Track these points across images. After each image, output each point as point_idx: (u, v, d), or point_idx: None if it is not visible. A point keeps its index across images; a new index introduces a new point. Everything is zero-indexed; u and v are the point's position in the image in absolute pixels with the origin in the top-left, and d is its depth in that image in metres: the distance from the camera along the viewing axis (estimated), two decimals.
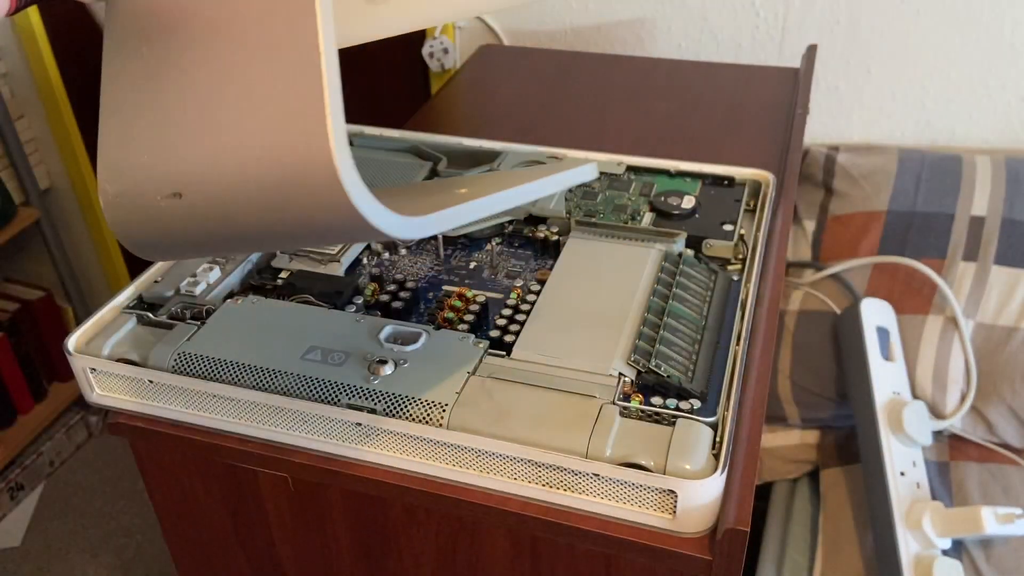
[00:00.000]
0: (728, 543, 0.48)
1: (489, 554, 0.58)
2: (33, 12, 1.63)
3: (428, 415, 0.54)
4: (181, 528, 0.68)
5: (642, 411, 0.53)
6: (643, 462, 0.50)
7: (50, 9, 1.63)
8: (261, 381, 0.57)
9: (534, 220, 0.73)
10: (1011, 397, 1.11)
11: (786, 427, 1.22)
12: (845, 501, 1.10)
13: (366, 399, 0.55)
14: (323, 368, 0.56)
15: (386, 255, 0.71)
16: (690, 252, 0.68)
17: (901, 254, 1.18)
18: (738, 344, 0.59)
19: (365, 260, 0.70)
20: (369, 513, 0.59)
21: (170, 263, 0.67)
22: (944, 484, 1.09)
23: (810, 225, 1.28)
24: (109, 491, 1.76)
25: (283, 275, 0.67)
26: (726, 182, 0.77)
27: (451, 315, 0.62)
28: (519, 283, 0.66)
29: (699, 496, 0.49)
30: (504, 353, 0.58)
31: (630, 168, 0.79)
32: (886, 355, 1.12)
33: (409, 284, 0.65)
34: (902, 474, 1.02)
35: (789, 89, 1.07)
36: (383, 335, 0.59)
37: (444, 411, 0.53)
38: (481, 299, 0.63)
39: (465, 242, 0.72)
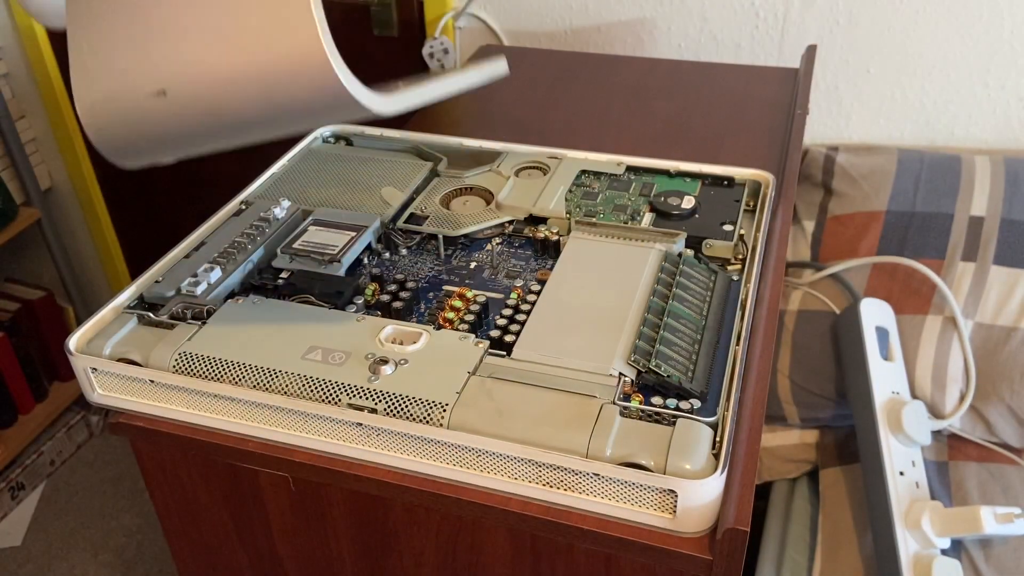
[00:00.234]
0: (728, 543, 0.49)
1: (489, 553, 0.58)
2: None
3: (428, 415, 0.54)
4: (182, 527, 0.68)
5: (642, 411, 0.54)
6: (643, 462, 0.50)
7: None
8: (262, 381, 0.57)
9: (534, 220, 0.73)
10: (1010, 397, 1.12)
11: (785, 427, 1.22)
12: (844, 501, 1.10)
13: (367, 399, 0.55)
14: (324, 368, 0.57)
15: (387, 255, 0.71)
16: (690, 252, 0.68)
17: (900, 254, 1.19)
18: (738, 344, 0.60)
19: (366, 260, 0.70)
20: (370, 512, 0.60)
21: (171, 263, 0.68)
22: (943, 484, 1.09)
23: (809, 225, 1.28)
24: (110, 491, 1.76)
25: (284, 275, 0.67)
26: (726, 182, 0.77)
27: (451, 315, 0.62)
28: (519, 283, 0.67)
29: (699, 496, 0.49)
30: (504, 353, 0.58)
31: (630, 168, 0.80)
32: (885, 355, 1.12)
33: (410, 284, 0.65)
34: (901, 474, 1.02)
35: (788, 89, 1.08)
36: (384, 335, 0.59)
37: (444, 411, 0.53)
38: (481, 299, 0.64)
39: (465, 242, 0.72)
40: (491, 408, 0.53)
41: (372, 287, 0.66)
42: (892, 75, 1.27)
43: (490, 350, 0.58)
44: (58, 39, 1.66)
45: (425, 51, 1.41)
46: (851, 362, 1.12)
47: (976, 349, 1.14)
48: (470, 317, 0.62)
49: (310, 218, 0.72)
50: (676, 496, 0.50)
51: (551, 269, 0.67)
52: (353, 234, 0.70)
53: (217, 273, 0.66)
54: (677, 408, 0.54)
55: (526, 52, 1.22)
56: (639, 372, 0.56)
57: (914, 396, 1.14)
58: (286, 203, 0.74)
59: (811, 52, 1.06)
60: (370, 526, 0.60)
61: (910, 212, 1.20)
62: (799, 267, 1.26)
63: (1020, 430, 1.13)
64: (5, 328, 1.69)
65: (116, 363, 0.59)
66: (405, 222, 0.73)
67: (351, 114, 0.47)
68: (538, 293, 0.64)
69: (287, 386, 0.56)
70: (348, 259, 0.68)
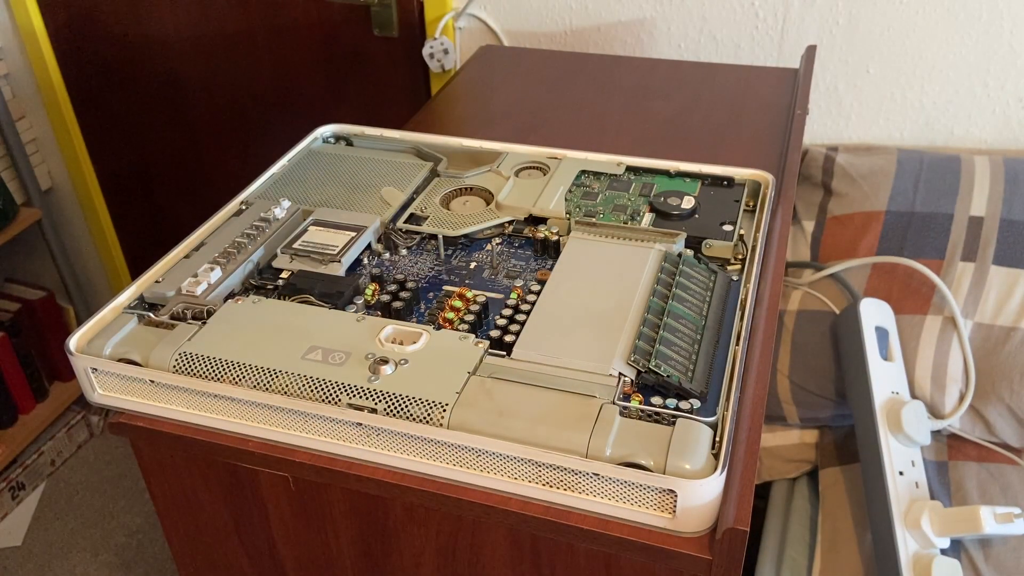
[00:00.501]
0: (728, 542, 0.49)
1: (489, 553, 0.58)
2: (35, 13, 1.63)
3: (428, 415, 0.54)
4: (182, 527, 0.68)
5: (642, 411, 0.54)
6: (643, 462, 0.50)
7: (52, 10, 1.63)
8: (262, 381, 0.57)
9: (534, 220, 0.73)
10: (1009, 397, 1.12)
11: (785, 427, 1.23)
12: (844, 500, 1.10)
13: (367, 399, 0.55)
14: (324, 368, 0.57)
15: (387, 255, 0.71)
16: (690, 252, 0.68)
17: (900, 254, 1.19)
18: (737, 344, 0.60)
19: (366, 260, 0.70)
20: (370, 512, 0.60)
21: (171, 263, 0.68)
22: (943, 483, 1.09)
23: (809, 225, 1.28)
24: (110, 490, 1.76)
25: (284, 275, 0.68)
26: (725, 182, 0.77)
27: (451, 315, 0.62)
28: (519, 283, 0.67)
29: (699, 496, 0.49)
30: (504, 353, 0.58)
31: (630, 168, 0.80)
32: (885, 355, 1.12)
33: (409, 284, 0.65)
34: (901, 473, 1.02)
35: (788, 90, 1.08)
36: (383, 335, 0.59)
37: (444, 411, 0.54)
38: (481, 299, 0.64)
39: (465, 242, 0.72)
40: (491, 408, 0.54)
41: (372, 287, 0.66)
42: (892, 75, 1.28)
43: (490, 350, 0.58)
44: (59, 39, 1.66)
45: (425, 51, 1.41)
46: (851, 362, 1.12)
47: (976, 349, 1.14)
48: (470, 317, 0.62)
49: (310, 218, 0.73)
50: (676, 496, 0.50)
51: (551, 269, 0.67)
52: (353, 234, 0.70)
53: (217, 273, 0.66)
54: (677, 408, 0.54)
55: (526, 52, 1.23)
56: (639, 372, 0.56)
57: (914, 396, 1.14)
58: (286, 203, 0.74)
59: (811, 52, 1.06)
60: (370, 526, 0.61)
61: (910, 212, 1.20)
62: (799, 267, 1.27)
63: (1020, 430, 1.13)
64: (5, 328, 1.69)
65: (116, 363, 0.59)
66: (405, 222, 0.73)
67: None
68: (538, 293, 0.64)
69: (287, 386, 0.56)
70: (348, 259, 0.68)
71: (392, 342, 0.59)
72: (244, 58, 1.56)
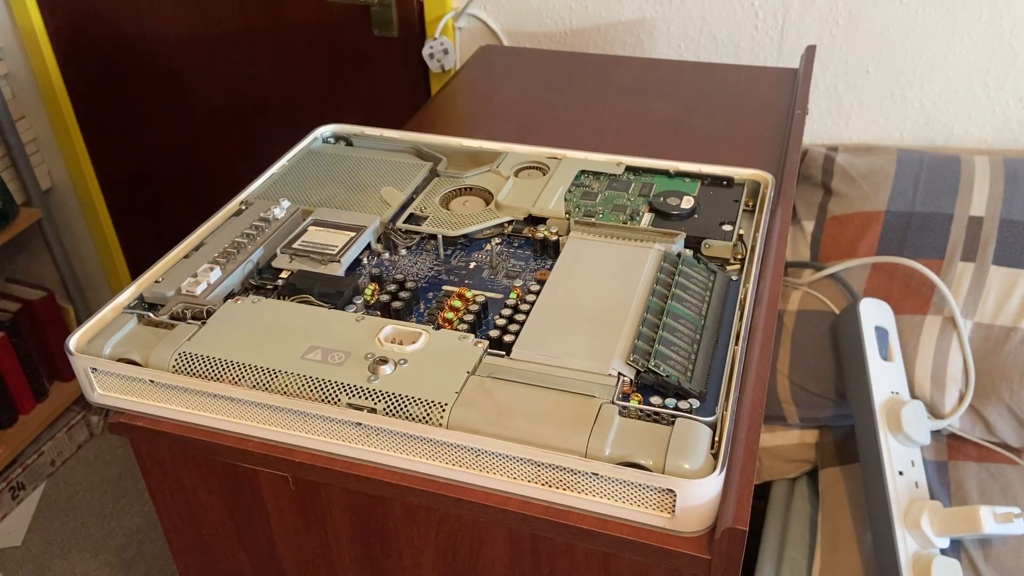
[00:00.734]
0: (727, 542, 0.49)
1: (489, 553, 0.58)
2: (35, 13, 1.63)
3: (428, 415, 0.54)
4: (182, 527, 0.68)
5: (641, 411, 0.54)
6: (642, 461, 0.50)
7: (52, 10, 1.63)
8: (261, 381, 0.57)
9: (534, 220, 0.73)
10: (1009, 397, 1.12)
11: (785, 427, 1.23)
12: (844, 500, 1.10)
13: (366, 399, 0.55)
14: (323, 368, 0.57)
15: (386, 255, 0.71)
16: (689, 252, 0.68)
17: (900, 254, 1.19)
18: (737, 344, 0.60)
19: (365, 260, 0.70)
20: (369, 512, 0.60)
21: (171, 263, 0.68)
22: (942, 483, 1.09)
23: (809, 225, 1.28)
24: (110, 490, 1.76)
25: (283, 275, 0.68)
26: (725, 182, 0.77)
27: (451, 315, 0.62)
28: (519, 283, 0.67)
29: (698, 495, 0.49)
30: (504, 353, 0.58)
31: (629, 168, 0.80)
32: (885, 355, 1.12)
33: (409, 284, 0.65)
34: (901, 473, 1.02)
35: (788, 90, 1.08)
36: (383, 335, 0.59)
37: (444, 411, 0.54)
38: (481, 299, 0.64)
39: (465, 242, 0.72)
40: (490, 408, 0.54)
41: (371, 287, 0.66)
42: (891, 75, 1.28)
43: (489, 350, 0.58)
44: (59, 39, 1.66)
45: (425, 51, 1.41)
46: (850, 362, 1.12)
47: (975, 349, 1.14)
48: (469, 317, 0.62)
49: (310, 218, 0.73)
50: (675, 495, 0.50)
51: (550, 269, 0.67)
52: (353, 234, 0.70)
53: (217, 273, 0.66)
54: (676, 408, 0.54)
55: (526, 52, 1.23)
56: (638, 372, 0.56)
57: (913, 396, 1.14)
58: (286, 203, 0.74)
59: (810, 52, 1.06)
60: (369, 526, 0.61)
61: (909, 212, 1.20)
62: (799, 267, 1.27)
63: (1019, 430, 1.13)
64: (5, 328, 1.69)
65: (116, 363, 0.59)
66: (405, 222, 0.73)
67: None
68: (537, 293, 0.64)
69: (287, 386, 0.56)
70: (348, 259, 0.68)
71: (391, 342, 0.59)
72: (244, 58, 1.56)
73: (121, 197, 1.85)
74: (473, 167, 0.80)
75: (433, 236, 0.72)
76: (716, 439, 0.52)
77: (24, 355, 1.74)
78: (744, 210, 0.74)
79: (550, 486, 0.53)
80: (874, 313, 1.13)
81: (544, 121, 1.01)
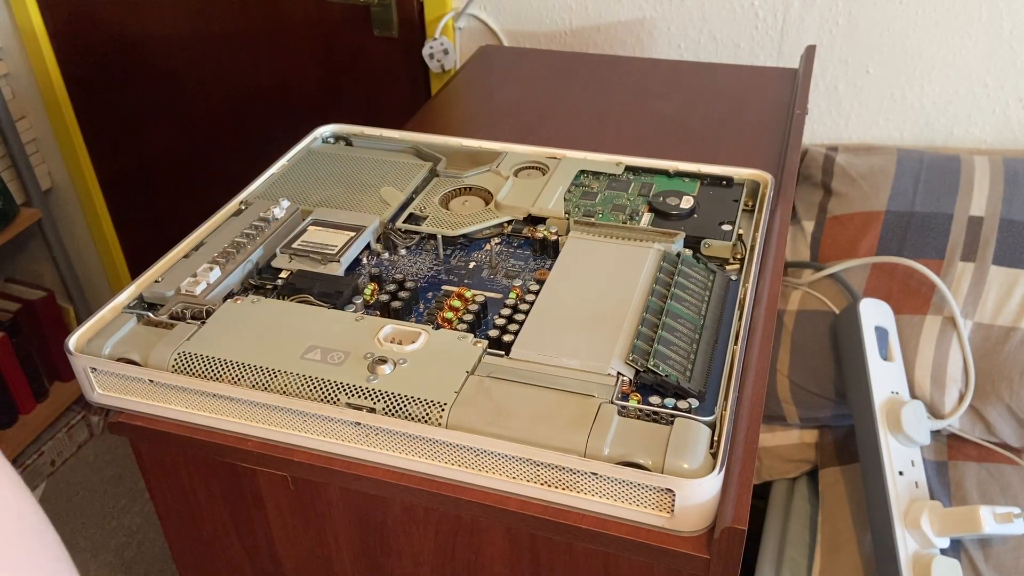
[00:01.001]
0: (726, 542, 0.49)
1: (488, 552, 0.58)
2: (35, 13, 1.63)
3: (427, 414, 0.54)
4: (182, 526, 0.68)
5: (640, 410, 0.54)
6: (641, 461, 0.50)
7: (52, 10, 1.63)
8: (261, 380, 0.57)
9: (533, 220, 0.73)
10: (1009, 396, 1.12)
11: (785, 426, 1.22)
12: (844, 500, 1.10)
13: (365, 398, 0.55)
14: (323, 367, 0.57)
15: (386, 255, 0.71)
16: (688, 252, 0.68)
17: (899, 254, 1.19)
18: (736, 343, 0.60)
19: (365, 260, 0.70)
20: (368, 512, 0.60)
21: (171, 263, 0.68)
22: (942, 483, 1.09)
23: (809, 225, 1.28)
24: (110, 490, 1.76)
25: (283, 275, 0.68)
26: (724, 182, 0.77)
27: (450, 315, 0.62)
28: (518, 283, 0.67)
29: (697, 495, 0.49)
30: (503, 353, 0.58)
31: (629, 168, 0.80)
32: (884, 355, 1.12)
33: (408, 284, 0.65)
34: (900, 473, 1.02)
35: (788, 89, 1.08)
36: (382, 335, 0.59)
37: (443, 410, 0.54)
38: (480, 299, 0.64)
39: (464, 242, 0.72)
40: (489, 407, 0.54)
41: (371, 287, 0.66)
42: (891, 75, 1.28)
43: (489, 350, 0.58)
44: (59, 39, 1.66)
45: (425, 51, 1.41)
46: (850, 362, 1.12)
47: (975, 349, 1.14)
48: (469, 317, 0.62)
49: (309, 218, 0.73)
50: (674, 495, 0.50)
51: (550, 269, 0.67)
52: (352, 234, 0.70)
53: (216, 273, 0.66)
54: (675, 407, 0.54)
55: (526, 52, 1.23)
56: (637, 371, 0.56)
57: (913, 396, 1.14)
58: (286, 203, 0.74)
59: (810, 52, 1.06)
60: (369, 525, 0.61)
61: (909, 212, 1.20)
62: (798, 267, 1.26)
63: (1019, 430, 1.13)
64: (5, 328, 1.69)
65: (116, 363, 0.59)
66: (404, 222, 0.73)
67: None
68: (537, 293, 0.64)
69: (286, 386, 0.56)
70: (347, 259, 0.68)
71: (391, 342, 0.59)
72: (244, 58, 1.56)
73: (121, 197, 1.85)
74: (473, 167, 0.80)
75: (433, 236, 0.72)
76: (715, 439, 0.52)
77: (24, 355, 1.74)
78: (744, 210, 0.74)
79: (549, 486, 0.53)
80: (874, 313, 1.13)
81: (544, 121, 1.01)
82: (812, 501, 1.16)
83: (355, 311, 0.63)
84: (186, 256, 0.69)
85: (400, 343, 0.58)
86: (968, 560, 0.99)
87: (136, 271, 1.97)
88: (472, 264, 0.70)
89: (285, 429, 0.58)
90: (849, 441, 1.17)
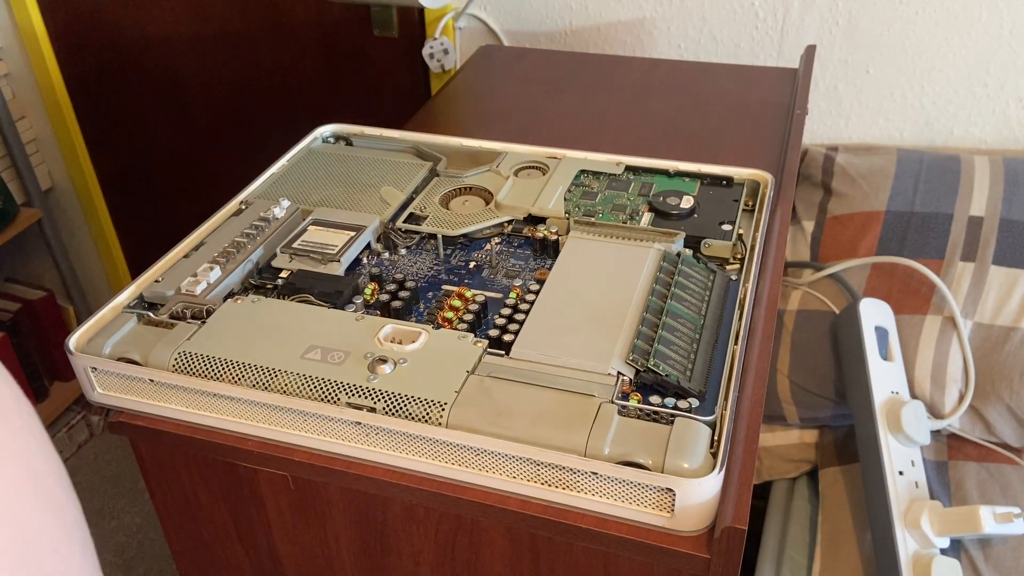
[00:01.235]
0: (726, 541, 0.49)
1: (488, 552, 0.58)
2: (35, 13, 1.63)
3: (427, 414, 0.54)
4: (182, 526, 0.68)
5: (640, 410, 0.54)
6: (641, 461, 0.50)
7: (52, 10, 1.63)
8: (261, 380, 0.57)
9: (533, 220, 0.73)
10: (1009, 396, 1.12)
11: (785, 426, 1.22)
12: (844, 500, 1.10)
13: (366, 398, 0.55)
14: (323, 367, 0.57)
15: (386, 255, 0.71)
16: (688, 252, 0.68)
17: (899, 254, 1.19)
18: (736, 343, 0.60)
19: (365, 260, 0.70)
20: (369, 511, 0.60)
21: (171, 263, 0.68)
22: (942, 483, 1.09)
23: (809, 225, 1.28)
24: (110, 490, 1.76)
25: (283, 275, 0.68)
26: (724, 182, 0.77)
27: (450, 314, 0.62)
28: (518, 283, 0.67)
29: (697, 494, 0.49)
30: (503, 352, 0.58)
31: (629, 168, 0.80)
32: (884, 355, 1.12)
33: (409, 284, 0.65)
34: (901, 473, 1.02)
35: (788, 89, 1.08)
36: (383, 334, 0.59)
37: (443, 410, 0.54)
38: (480, 299, 0.64)
39: (464, 242, 0.72)
40: (490, 407, 0.54)
41: (371, 286, 0.66)
42: (891, 75, 1.28)
43: (489, 349, 0.58)
44: (59, 39, 1.66)
45: (425, 51, 1.41)
46: (850, 362, 1.12)
47: (975, 349, 1.14)
48: (469, 316, 0.62)
49: (309, 218, 0.73)
50: (674, 495, 0.50)
51: (550, 269, 0.67)
52: (352, 234, 0.70)
53: (217, 273, 0.66)
54: (675, 407, 0.54)
55: (526, 52, 1.23)
56: (637, 371, 0.56)
57: (913, 396, 1.14)
58: (286, 203, 0.74)
59: (810, 52, 1.06)
60: (369, 525, 0.61)
61: (909, 212, 1.20)
62: (799, 267, 1.27)
63: (1019, 430, 1.13)
64: (5, 328, 1.69)
65: (116, 362, 0.59)
66: (404, 222, 0.73)
67: None
68: (537, 292, 0.64)
69: (286, 385, 0.56)
70: (347, 259, 0.68)
71: (391, 341, 0.59)
72: (244, 58, 1.56)
73: (121, 197, 1.85)
74: (473, 167, 0.80)
75: (433, 236, 0.72)
76: (715, 438, 0.52)
77: (24, 355, 1.74)
78: (744, 210, 0.74)
79: (549, 485, 0.53)
80: (874, 313, 1.13)
81: (544, 121, 1.01)
82: (812, 501, 1.16)
83: (355, 311, 0.63)
84: (186, 256, 0.69)
85: (400, 343, 0.58)
86: (968, 560, 0.99)
87: (136, 271, 1.97)
88: (472, 264, 0.70)
89: (285, 429, 0.58)
90: (849, 441, 1.17)
